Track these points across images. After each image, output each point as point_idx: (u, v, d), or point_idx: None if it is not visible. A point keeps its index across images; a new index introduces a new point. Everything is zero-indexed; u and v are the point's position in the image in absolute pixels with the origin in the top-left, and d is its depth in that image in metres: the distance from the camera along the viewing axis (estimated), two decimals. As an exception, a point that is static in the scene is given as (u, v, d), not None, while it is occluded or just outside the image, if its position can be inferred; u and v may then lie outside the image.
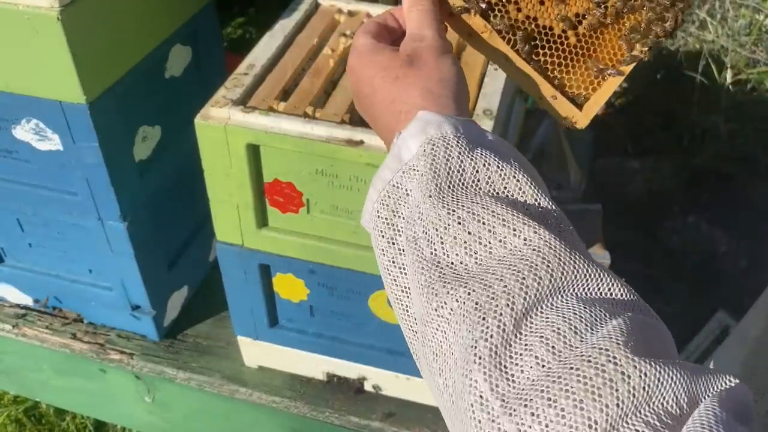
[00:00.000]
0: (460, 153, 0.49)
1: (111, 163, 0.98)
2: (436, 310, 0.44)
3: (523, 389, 0.39)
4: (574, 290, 0.43)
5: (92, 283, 1.18)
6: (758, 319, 0.76)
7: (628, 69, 0.62)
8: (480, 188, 0.48)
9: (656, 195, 2.08)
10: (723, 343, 0.87)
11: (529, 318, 0.41)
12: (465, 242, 0.46)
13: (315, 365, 1.14)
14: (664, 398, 0.37)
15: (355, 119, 0.93)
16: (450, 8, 0.61)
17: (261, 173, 0.93)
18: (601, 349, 0.38)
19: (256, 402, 1.16)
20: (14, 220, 1.14)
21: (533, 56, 0.61)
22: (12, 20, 0.85)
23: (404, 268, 0.50)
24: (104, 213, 1.04)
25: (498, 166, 0.49)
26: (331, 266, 1.00)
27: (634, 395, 0.37)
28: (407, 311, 0.50)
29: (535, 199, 0.48)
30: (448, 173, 0.49)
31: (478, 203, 0.47)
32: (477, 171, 0.49)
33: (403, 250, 0.50)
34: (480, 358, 0.40)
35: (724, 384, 0.39)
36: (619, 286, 0.44)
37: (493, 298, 0.42)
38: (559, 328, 0.40)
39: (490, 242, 0.45)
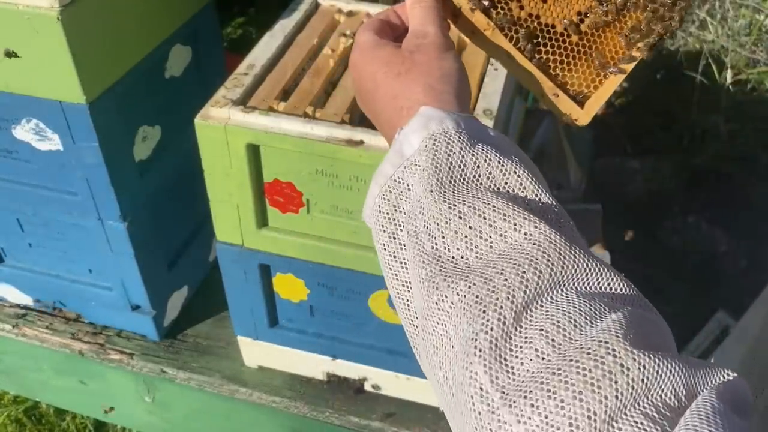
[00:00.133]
0: (461, 148, 0.50)
1: (111, 163, 0.98)
2: (436, 303, 0.45)
3: (522, 381, 0.39)
4: (574, 284, 0.43)
5: (92, 283, 1.18)
6: (757, 319, 0.76)
7: (629, 67, 0.62)
8: (481, 183, 0.49)
9: (656, 195, 2.08)
10: (723, 343, 0.88)
11: (529, 311, 0.42)
12: (466, 236, 0.46)
13: (315, 365, 1.14)
14: (662, 390, 0.37)
15: (355, 119, 0.93)
16: (453, 7, 0.61)
17: (261, 173, 0.93)
18: (601, 341, 0.39)
19: (256, 402, 1.16)
20: (14, 220, 1.14)
21: (535, 54, 0.62)
22: (12, 20, 0.85)
23: (405, 263, 0.50)
24: (104, 213, 1.04)
25: (499, 162, 0.49)
26: (331, 266, 1.00)
27: (633, 387, 0.37)
28: (408, 306, 0.51)
29: (536, 195, 0.48)
30: (450, 168, 0.49)
31: (479, 198, 0.47)
32: (478, 166, 0.49)
33: (404, 245, 0.50)
34: (480, 350, 0.41)
35: (722, 377, 0.39)
36: (619, 280, 0.45)
37: (493, 292, 0.42)
38: (558, 321, 0.41)
39: (490, 236, 0.46)
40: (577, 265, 0.44)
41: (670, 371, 0.38)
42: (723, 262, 1.92)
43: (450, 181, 0.49)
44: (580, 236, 0.48)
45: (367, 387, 1.14)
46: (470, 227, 0.46)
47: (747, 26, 2.36)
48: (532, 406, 0.37)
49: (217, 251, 1.03)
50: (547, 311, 0.41)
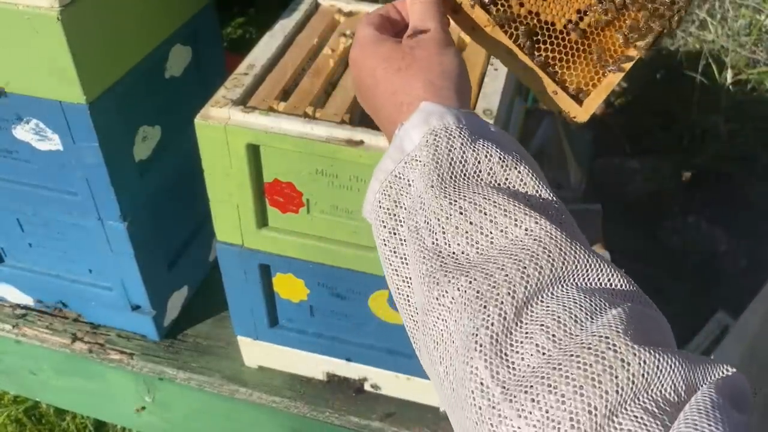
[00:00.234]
0: (462, 144, 0.50)
1: (111, 163, 0.98)
2: (437, 298, 0.45)
3: (523, 376, 0.39)
4: (574, 280, 0.44)
5: (92, 283, 1.18)
6: (755, 318, 0.76)
7: (627, 66, 0.62)
8: (482, 179, 0.49)
9: (656, 195, 2.08)
10: (722, 342, 0.88)
11: (529, 306, 0.42)
12: (467, 232, 0.46)
13: (315, 365, 1.14)
14: (662, 385, 0.37)
15: (355, 119, 0.93)
16: (453, 3, 0.61)
17: (261, 173, 0.93)
18: (601, 336, 0.39)
19: (256, 402, 1.16)
20: (14, 220, 1.14)
21: (535, 51, 0.62)
22: (12, 20, 0.85)
23: (405, 258, 0.50)
24: (104, 213, 1.04)
25: (500, 157, 0.49)
26: (331, 266, 1.00)
27: (633, 382, 0.37)
28: (408, 301, 0.51)
29: (536, 191, 0.48)
30: (450, 164, 0.49)
31: (479, 194, 0.47)
32: (479, 162, 0.49)
33: (405, 240, 0.50)
34: (481, 345, 0.41)
35: (721, 372, 0.39)
36: (619, 277, 0.45)
37: (494, 287, 0.43)
38: (559, 317, 0.41)
39: (491, 232, 0.46)
40: (578, 261, 0.44)
41: (670, 366, 0.38)
42: (723, 261, 1.92)
43: (451, 177, 0.49)
44: (580, 232, 0.48)
45: (367, 387, 1.15)
46: (471, 223, 0.46)
47: (747, 26, 2.36)
48: (533, 400, 0.38)
49: (217, 251, 1.03)
50: (548, 306, 0.41)
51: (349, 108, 0.92)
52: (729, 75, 2.28)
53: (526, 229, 0.45)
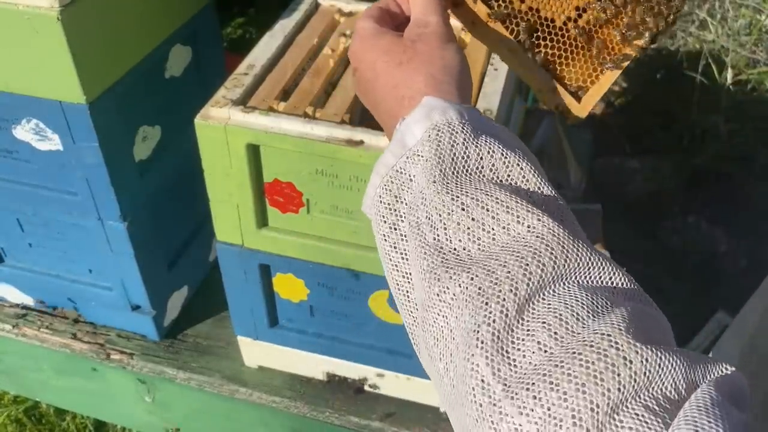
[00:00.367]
0: (464, 139, 0.49)
1: (111, 163, 0.98)
2: (438, 295, 0.44)
3: (525, 373, 0.39)
4: (576, 278, 0.43)
5: (92, 283, 1.18)
6: (753, 315, 0.76)
7: (625, 64, 0.62)
8: (484, 175, 0.49)
9: (656, 195, 2.08)
10: (719, 339, 0.88)
11: (531, 304, 0.42)
12: (468, 228, 0.46)
13: (315, 365, 1.14)
14: (663, 384, 0.37)
15: (355, 119, 0.93)
16: None
17: (261, 173, 0.93)
18: (603, 334, 0.39)
19: (256, 402, 1.16)
20: (14, 220, 1.14)
21: (534, 48, 0.62)
22: (12, 20, 0.85)
23: (406, 254, 0.50)
24: (104, 213, 1.04)
25: (502, 154, 0.49)
26: (331, 266, 1.00)
27: (635, 380, 0.37)
28: (408, 297, 0.50)
29: (538, 188, 0.48)
30: (453, 159, 0.49)
31: (481, 190, 0.47)
32: (481, 158, 0.49)
33: (405, 236, 0.50)
34: (482, 342, 0.41)
35: (721, 371, 0.39)
36: (621, 275, 0.45)
37: (496, 284, 0.42)
38: (561, 314, 0.40)
39: (493, 229, 0.46)
40: (580, 259, 0.44)
41: (672, 364, 0.38)
42: (723, 261, 1.92)
43: (453, 173, 0.48)
44: (581, 230, 0.48)
45: (367, 387, 1.14)
46: (473, 219, 0.46)
47: (747, 26, 2.37)
48: (535, 397, 0.37)
49: (217, 251, 1.03)
50: (550, 304, 0.41)
51: (349, 108, 0.92)
52: (729, 75, 2.28)
53: (528, 226, 0.45)
